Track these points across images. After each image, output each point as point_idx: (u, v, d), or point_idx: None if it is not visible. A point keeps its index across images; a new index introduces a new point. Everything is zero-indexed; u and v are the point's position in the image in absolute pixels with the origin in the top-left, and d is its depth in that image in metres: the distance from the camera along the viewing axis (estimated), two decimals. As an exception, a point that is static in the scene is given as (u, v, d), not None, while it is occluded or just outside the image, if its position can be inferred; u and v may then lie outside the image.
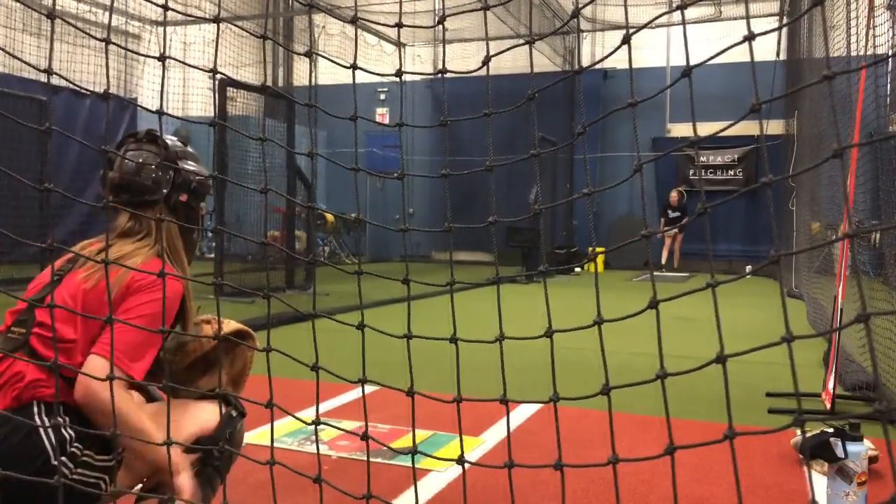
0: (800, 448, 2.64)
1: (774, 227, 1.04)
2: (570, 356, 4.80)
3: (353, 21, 1.35)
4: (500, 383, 1.37)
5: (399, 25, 1.29)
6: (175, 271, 1.84)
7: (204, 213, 2.12)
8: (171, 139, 2.02)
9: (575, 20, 12.42)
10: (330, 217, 14.78)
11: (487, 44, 1.26)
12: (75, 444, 1.65)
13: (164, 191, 1.94)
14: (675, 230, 13.17)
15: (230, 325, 2.08)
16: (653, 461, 2.80)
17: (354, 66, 1.39)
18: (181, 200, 1.98)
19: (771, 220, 0.93)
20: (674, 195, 13.80)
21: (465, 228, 1.36)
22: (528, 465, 1.27)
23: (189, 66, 1.34)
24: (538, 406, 3.44)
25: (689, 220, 1.12)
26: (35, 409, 1.64)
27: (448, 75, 1.34)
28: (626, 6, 1.09)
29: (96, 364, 1.64)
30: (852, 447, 2.29)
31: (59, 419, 1.63)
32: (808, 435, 2.43)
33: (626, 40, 1.13)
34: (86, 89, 1.82)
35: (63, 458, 1.62)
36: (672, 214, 13.68)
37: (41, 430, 1.61)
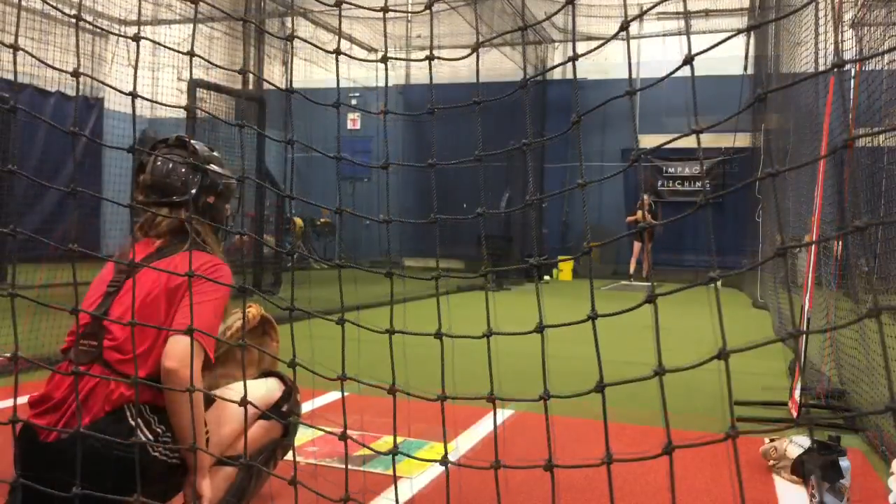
0: (803, 467, 2.61)
1: (711, 242, 1.03)
2: (548, 364, 4.79)
3: (338, 4, 1.32)
4: (481, 391, 1.35)
5: (385, 10, 1.28)
6: (225, 263, 2.06)
7: (229, 215, 2.25)
8: (198, 144, 2.14)
9: (537, 28, 12.37)
10: (299, 221, 14.66)
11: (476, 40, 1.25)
12: (167, 435, 1.85)
13: (193, 192, 2.05)
14: (641, 241, 13.12)
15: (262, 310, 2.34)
16: (622, 470, 2.78)
17: (338, 52, 1.37)
18: (208, 202, 2.10)
19: (707, 232, 0.91)
20: (645, 199, 13.28)
21: (445, 227, 1.35)
22: (517, 465, 1.25)
23: (160, 45, 1.31)
24: (510, 412, 3.43)
25: (657, 225, 1.12)
26: (127, 413, 1.81)
27: (417, 81, 1.33)
28: (573, 21, 1.08)
29: (183, 342, 1.77)
30: (842, 463, 2.29)
31: (148, 417, 1.84)
32: (808, 453, 2.43)
33: (571, 59, 1.14)
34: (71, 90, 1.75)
35: (160, 449, 1.83)
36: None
37: (137, 430, 1.79)
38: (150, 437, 1.83)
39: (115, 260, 2.04)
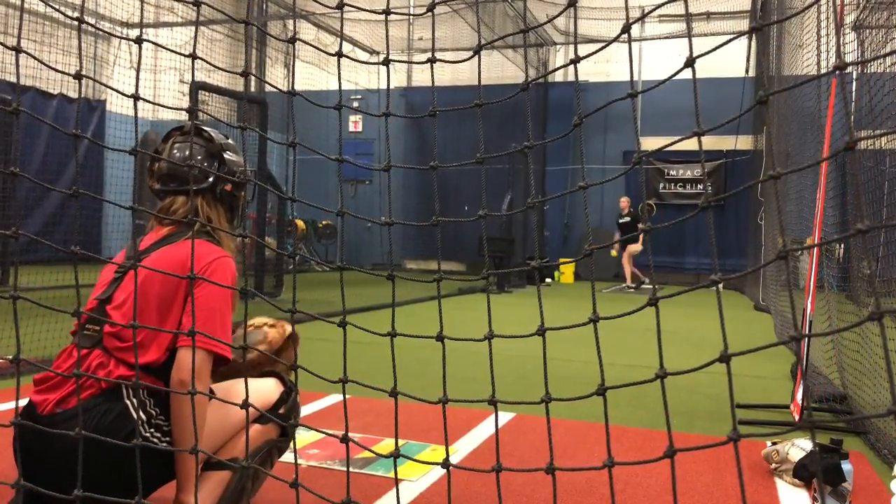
0: (805, 470, 2.59)
1: (713, 245, 1.03)
2: (549, 367, 4.79)
3: (340, 7, 1.32)
4: (482, 393, 1.35)
5: (386, 12, 1.28)
6: (228, 252, 2.02)
7: (243, 202, 2.24)
8: (214, 132, 2.11)
9: (539, 30, 12.37)
10: (301, 224, 14.66)
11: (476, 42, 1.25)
12: (160, 417, 1.85)
13: (210, 179, 2.03)
14: (620, 242, 12.88)
15: (288, 328, 2.30)
16: (623, 473, 2.78)
17: (340, 55, 1.38)
18: (226, 189, 2.09)
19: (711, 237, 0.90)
20: (623, 201, 12.88)
21: (446, 230, 1.35)
22: (518, 469, 1.25)
23: (162, 47, 1.31)
24: (511, 414, 3.43)
25: (641, 231, 1.12)
26: (124, 392, 1.81)
27: (419, 84, 1.33)
28: (574, 24, 1.08)
29: (196, 356, 1.75)
30: (844, 466, 2.28)
31: (143, 399, 1.83)
32: (810, 456, 2.41)
33: (573, 62, 1.14)
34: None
35: (151, 430, 1.84)
36: (622, 220, 12.74)
37: (131, 407, 1.81)
38: (144, 417, 1.82)
39: (111, 263, 2.01)
